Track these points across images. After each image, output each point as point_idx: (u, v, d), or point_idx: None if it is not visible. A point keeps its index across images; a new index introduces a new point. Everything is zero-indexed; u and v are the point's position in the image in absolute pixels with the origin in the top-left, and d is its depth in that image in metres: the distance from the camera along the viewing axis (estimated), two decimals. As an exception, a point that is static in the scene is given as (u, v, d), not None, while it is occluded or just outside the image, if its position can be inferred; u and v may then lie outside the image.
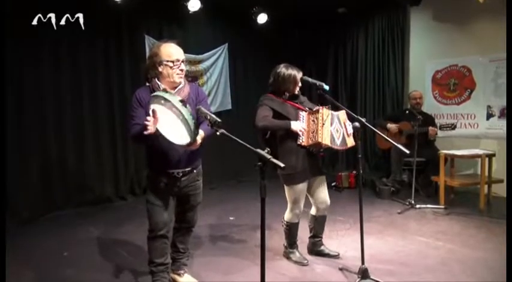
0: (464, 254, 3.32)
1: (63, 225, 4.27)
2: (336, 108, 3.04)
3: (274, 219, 3.65)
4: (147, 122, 2.14)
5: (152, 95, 2.23)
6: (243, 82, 6.89)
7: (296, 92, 3.07)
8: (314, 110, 2.94)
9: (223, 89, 6.47)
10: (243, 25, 6.47)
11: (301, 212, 3.12)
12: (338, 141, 2.94)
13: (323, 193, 3.14)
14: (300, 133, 2.92)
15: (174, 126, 2.17)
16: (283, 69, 3.02)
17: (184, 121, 2.11)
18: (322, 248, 3.32)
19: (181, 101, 2.11)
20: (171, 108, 2.13)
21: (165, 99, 2.13)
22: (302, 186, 3.02)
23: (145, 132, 2.15)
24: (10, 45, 4.18)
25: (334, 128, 2.92)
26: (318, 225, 3.25)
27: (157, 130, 2.18)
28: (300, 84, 3.06)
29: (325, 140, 2.83)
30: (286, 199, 3.13)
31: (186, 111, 2.10)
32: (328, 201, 3.16)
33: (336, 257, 3.25)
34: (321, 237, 3.32)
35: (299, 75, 3.04)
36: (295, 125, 2.92)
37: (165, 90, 2.23)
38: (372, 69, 6.67)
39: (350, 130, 2.99)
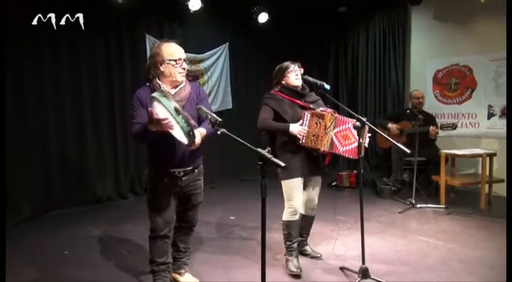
0: (464, 253, 3.32)
1: (63, 224, 4.28)
2: (336, 107, 3.04)
3: (274, 219, 3.64)
4: (165, 121, 2.14)
5: (151, 95, 2.22)
6: (244, 81, 6.89)
7: (293, 85, 3.02)
8: (319, 113, 2.88)
9: (223, 88, 6.47)
10: (243, 24, 6.47)
11: (297, 211, 2.99)
12: (342, 148, 2.89)
13: (313, 192, 3.11)
14: (299, 136, 2.89)
15: (175, 124, 2.18)
16: (280, 64, 3.09)
17: (180, 128, 2.14)
18: (305, 247, 3.30)
19: (176, 109, 2.11)
20: (167, 110, 2.14)
21: (161, 103, 2.13)
22: (297, 181, 2.95)
23: (171, 131, 2.19)
24: (10, 45, 4.19)
25: (341, 133, 2.88)
26: (304, 224, 3.18)
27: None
28: (290, 72, 3.02)
29: (325, 147, 2.83)
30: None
31: (180, 119, 2.11)
32: (316, 201, 3.13)
33: (318, 258, 3.23)
34: (305, 238, 3.30)
35: (292, 65, 3.03)
36: (293, 128, 2.89)
37: (162, 93, 2.21)
38: (373, 69, 6.68)
39: (366, 143, 2.92)
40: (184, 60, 2.48)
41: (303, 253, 3.28)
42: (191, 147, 2.33)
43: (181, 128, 2.13)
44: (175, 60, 2.43)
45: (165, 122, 2.14)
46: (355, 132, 2.86)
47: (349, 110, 2.97)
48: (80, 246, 3.61)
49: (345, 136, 2.91)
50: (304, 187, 3.08)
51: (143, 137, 2.40)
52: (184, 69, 2.48)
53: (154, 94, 2.20)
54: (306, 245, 3.32)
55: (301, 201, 3.03)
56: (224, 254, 3.41)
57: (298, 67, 3.07)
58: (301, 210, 3.13)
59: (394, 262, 3.18)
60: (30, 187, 4.47)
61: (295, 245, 3.06)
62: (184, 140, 2.21)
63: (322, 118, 2.84)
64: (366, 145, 2.93)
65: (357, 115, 2.83)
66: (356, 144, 2.87)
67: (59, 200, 4.73)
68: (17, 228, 4.08)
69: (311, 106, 3.01)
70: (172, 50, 2.45)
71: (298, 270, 2.97)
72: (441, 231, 3.88)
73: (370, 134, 2.94)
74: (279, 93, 3.04)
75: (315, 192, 3.13)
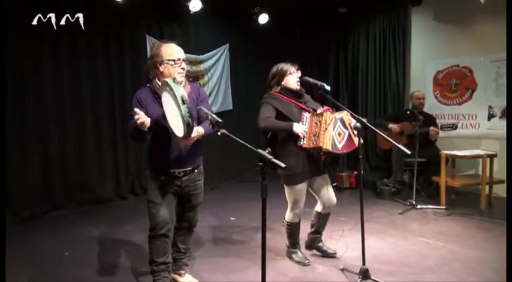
0: (465, 254, 3.32)
1: (63, 224, 4.27)
2: (336, 108, 3.04)
3: (275, 220, 3.65)
4: (137, 116, 2.19)
5: (164, 80, 2.30)
6: (244, 82, 6.89)
7: (293, 87, 3.04)
8: (318, 113, 2.91)
9: (224, 89, 6.47)
10: (244, 25, 6.47)
11: (301, 212, 3.12)
12: (340, 145, 2.91)
13: (329, 192, 3.12)
14: (301, 135, 2.91)
15: (175, 116, 2.21)
16: (276, 65, 3.11)
17: (181, 117, 2.15)
18: (320, 244, 3.33)
19: (182, 98, 2.14)
20: (174, 98, 2.17)
21: (170, 88, 2.18)
22: (301, 187, 3.01)
23: (139, 126, 2.22)
24: (10, 45, 4.19)
25: (336, 131, 2.90)
26: (320, 222, 3.25)
27: (163, 116, 2.30)
28: (292, 74, 3.03)
29: (327, 145, 2.82)
30: (287, 199, 3.12)
31: (184, 108, 2.13)
32: (335, 200, 3.15)
33: (333, 255, 3.26)
34: (321, 234, 3.33)
35: (293, 68, 3.05)
36: (297, 128, 2.90)
37: (173, 80, 2.28)
38: (373, 70, 6.67)
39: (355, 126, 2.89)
40: (183, 60, 2.49)
41: (319, 250, 3.33)
42: (185, 142, 2.34)
43: (183, 117, 2.14)
44: (174, 61, 2.44)
45: (137, 116, 2.20)
46: (341, 125, 2.93)
47: (350, 111, 2.97)
48: (80, 247, 3.60)
49: (339, 133, 2.93)
50: (318, 188, 3.11)
51: (137, 137, 2.42)
52: (183, 69, 2.48)
53: (167, 79, 2.27)
54: (321, 241, 3.35)
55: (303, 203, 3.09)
56: (224, 255, 3.40)
57: (297, 70, 3.08)
58: (319, 209, 3.21)
59: (394, 263, 3.17)
60: (30, 187, 4.46)
61: (298, 240, 3.23)
62: (180, 131, 2.22)
63: (321, 117, 2.85)
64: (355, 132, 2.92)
65: (357, 116, 2.83)
66: (347, 135, 2.94)
67: (59, 200, 4.73)
68: (17, 229, 4.07)
69: (310, 108, 3.03)
70: (171, 51, 2.46)
71: (307, 261, 3.15)
72: (441, 232, 3.88)
73: (359, 125, 2.82)
74: (279, 94, 3.04)
75: (331, 191, 3.14)
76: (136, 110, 2.22)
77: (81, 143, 4.92)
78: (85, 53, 4.86)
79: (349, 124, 2.96)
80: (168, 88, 2.22)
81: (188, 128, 2.18)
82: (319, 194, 3.12)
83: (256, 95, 6.56)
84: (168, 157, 2.48)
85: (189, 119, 2.15)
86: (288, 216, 3.14)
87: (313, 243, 3.32)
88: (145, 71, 2.54)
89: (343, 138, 2.94)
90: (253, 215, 4.43)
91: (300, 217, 3.15)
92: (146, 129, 2.27)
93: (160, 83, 2.44)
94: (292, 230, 3.18)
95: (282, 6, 6.19)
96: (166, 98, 2.27)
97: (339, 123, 2.93)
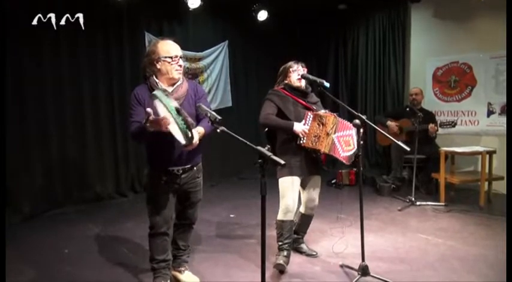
0: (464, 250, 3.33)
1: (63, 222, 4.28)
2: (335, 105, 3.04)
3: (274, 217, 3.64)
4: (164, 120, 2.14)
5: (152, 93, 2.24)
6: (243, 79, 6.89)
7: (294, 84, 3.03)
8: (321, 114, 2.89)
9: (223, 86, 6.47)
10: (243, 22, 6.47)
11: (290, 210, 2.96)
12: (343, 153, 2.88)
13: (314, 192, 3.13)
14: (301, 135, 2.90)
15: (172, 125, 2.19)
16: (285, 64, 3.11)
17: (179, 128, 2.13)
18: (301, 245, 3.31)
19: (177, 109, 2.11)
20: (166, 109, 2.14)
21: (160, 100, 2.14)
22: (293, 180, 2.95)
23: (164, 129, 2.18)
24: (10, 45, 4.18)
25: (343, 138, 2.87)
26: (302, 223, 3.24)
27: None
28: (293, 72, 3.03)
29: (325, 148, 2.82)
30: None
31: (179, 121, 2.11)
32: (317, 201, 3.16)
33: (314, 256, 3.24)
34: (302, 236, 3.32)
35: (296, 65, 3.05)
36: (297, 127, 2.89)
37: (163, 91, 2.23)
38: (373, 66, 6.68)
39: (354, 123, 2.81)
40: (180, 57, 2.48)
41: (298, 251, 3.30)
42: (188, 148, 2.33)
43: (180, 129, 2.13)
44: (171, 58, 2.43)
45: (164, 121, 2.14)
46: (355, 138, 2.88)
47: (349, 108, 2.97)
48: (80, 245, 3.61)
49: (346, 142, 2.91)
50: (305, 187, 3.11)
51: (141, 137, 2.41)
52: (180, 66, 2.48)
53: (156, 92, 2.21)
54: (302, 243, 3.34)
55: (296, 200, 3.02)
56: (224, 252, 3.41)
57: (302, 67, 3.08)
58: (301, 209, 3.19)
59: (393, 259, 3.19)
60: (31, 185, 4.47)
61: (286, 245, 3.02)
62: (182, 140, 2.21)
63: (325, 120, 2.84)
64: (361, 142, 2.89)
65: (356, 113, 2.83)
66: (353, 151, 2.91)
67: (59, 198, 4.73)
68: (17, 227, 4.08)
69: (313, 107, 3.02)
70: (168, 47, 2.45)
71: (284, 265, 2.93)
72: (441, 228, 3.89)
73: (358, 121, 2.79)
74: (283, 90, 3.04)
75: (315, 192, 3.14)
76: (148, 110, 2.14)
77: (82, 140, 4.92)
78: (85, 53, 4.86)
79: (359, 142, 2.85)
80: (157, 99, 2.16)
81: (188, 138, 2.17)
82: (305, 192, 3.11)
83: (256, 92, 6.63)
84: (167, 155, 2.48)
85: (187, 130, 2.14)
86: (278, 213, 3.03)
87: (294, 244, 3.24)
88: (142, 69, 2.53)
89: (349, 150, 2.91)
90: (252, 212, 4.44)
91: (291, 216, 3.00)
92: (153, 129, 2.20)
93: (157, 81, 2.44)
94: (280, 229, 3.01)
95: (281, 2, 6.19)
96: (159, 106, 2.19)
97: (354, 133, 2.88)
